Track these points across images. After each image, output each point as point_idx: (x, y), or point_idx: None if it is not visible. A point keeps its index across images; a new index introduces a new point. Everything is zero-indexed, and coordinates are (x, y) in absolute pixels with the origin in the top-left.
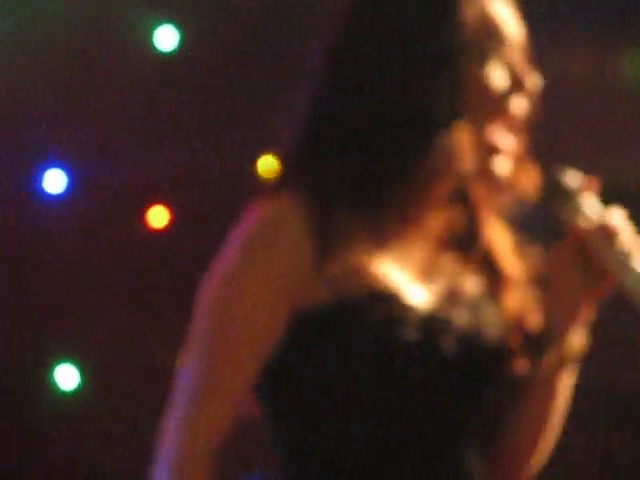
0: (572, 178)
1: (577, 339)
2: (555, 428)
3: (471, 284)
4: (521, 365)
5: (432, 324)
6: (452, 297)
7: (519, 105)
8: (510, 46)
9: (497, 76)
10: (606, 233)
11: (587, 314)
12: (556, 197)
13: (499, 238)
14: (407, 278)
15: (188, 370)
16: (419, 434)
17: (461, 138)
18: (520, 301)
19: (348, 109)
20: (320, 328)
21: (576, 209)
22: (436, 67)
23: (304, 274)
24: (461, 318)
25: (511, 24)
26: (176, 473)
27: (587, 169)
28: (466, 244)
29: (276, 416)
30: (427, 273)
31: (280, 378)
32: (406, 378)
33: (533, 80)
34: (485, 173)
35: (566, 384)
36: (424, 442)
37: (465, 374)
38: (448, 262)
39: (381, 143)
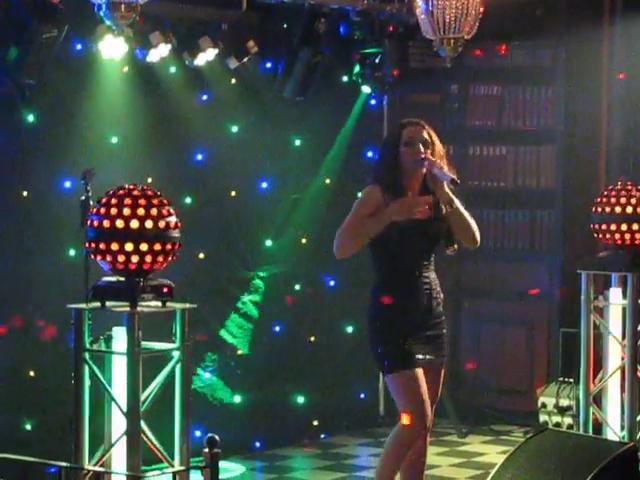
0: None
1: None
2: (464, 220)
3: None
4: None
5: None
6: None
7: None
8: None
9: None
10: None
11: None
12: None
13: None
14: None
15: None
16: (406, 259)
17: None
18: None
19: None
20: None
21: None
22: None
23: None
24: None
25: (413, 134)
26: (341, 237)
27: None
28: None
29: (372, 251)
30: None
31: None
32: (403, 239)
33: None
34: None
35: (456, 211)
36: (412, 260)
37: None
38: None
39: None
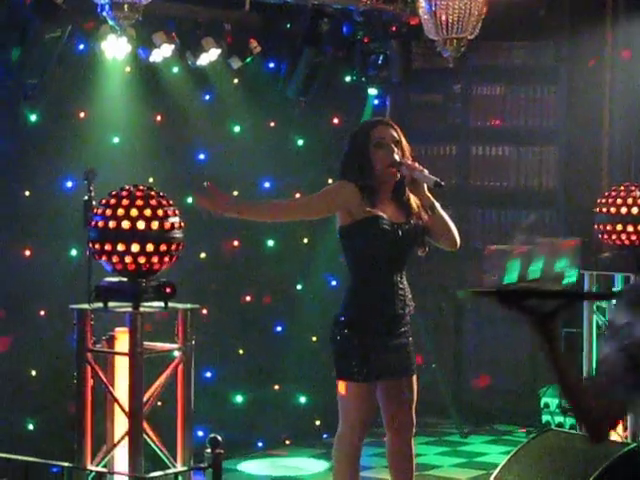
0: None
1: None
2: (445, 224)
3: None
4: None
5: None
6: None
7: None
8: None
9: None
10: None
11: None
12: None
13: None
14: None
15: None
16: (382, 264)
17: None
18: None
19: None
20: (357, 226)
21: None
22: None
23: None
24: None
25: (385, 135)
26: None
27: None
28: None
29: (348, 256)
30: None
31: (345, 240)
32: (379, 243)
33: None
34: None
35: (437, 215)
36: (388, 268)
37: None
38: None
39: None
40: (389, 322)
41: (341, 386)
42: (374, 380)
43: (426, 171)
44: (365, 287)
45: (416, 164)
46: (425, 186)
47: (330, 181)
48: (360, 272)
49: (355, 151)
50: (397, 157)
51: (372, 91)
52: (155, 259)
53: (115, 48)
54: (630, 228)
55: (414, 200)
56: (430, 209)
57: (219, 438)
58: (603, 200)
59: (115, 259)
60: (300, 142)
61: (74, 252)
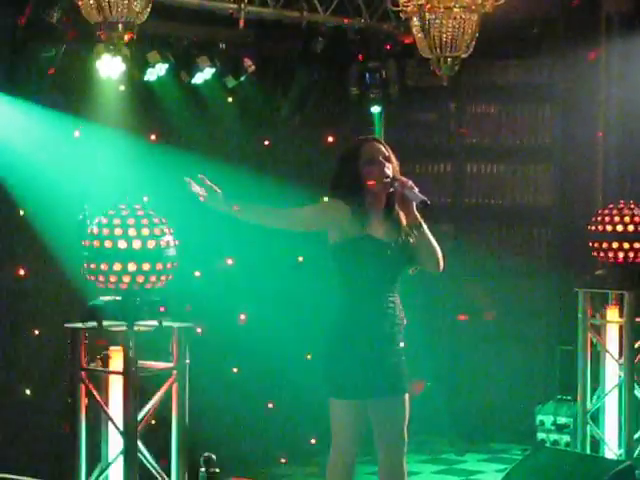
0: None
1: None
2: (431, 245)
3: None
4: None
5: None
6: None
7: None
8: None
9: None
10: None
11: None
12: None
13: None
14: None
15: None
16: (371, 282)
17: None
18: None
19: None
20: (347, 244)
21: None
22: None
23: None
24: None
25: (375, 151)
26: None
27: None
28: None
29: (337, 270)
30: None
31: (335, 258)
32: (369, 262)
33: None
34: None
35: (423, 235)
36: (378, 284)
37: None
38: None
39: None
40: (376, 341)
41: (330, 403)
42: (359, 398)
43: (416, 189)
44: (352, 305)
45: (409, 182)
46: (414, 204)
47: (325, 199)
48: (348, 290)
49: (345, 170)
50: (389, 172)
51: (375, 109)
52: (147, 278)
53: (109, 67)
54: (625, 245)
55: (403, 217)
56: (416, 228)
57: (213, 457)
58: (598, 218)
59: (107, 278)
60: (295, 160)
61: (69, 271)
